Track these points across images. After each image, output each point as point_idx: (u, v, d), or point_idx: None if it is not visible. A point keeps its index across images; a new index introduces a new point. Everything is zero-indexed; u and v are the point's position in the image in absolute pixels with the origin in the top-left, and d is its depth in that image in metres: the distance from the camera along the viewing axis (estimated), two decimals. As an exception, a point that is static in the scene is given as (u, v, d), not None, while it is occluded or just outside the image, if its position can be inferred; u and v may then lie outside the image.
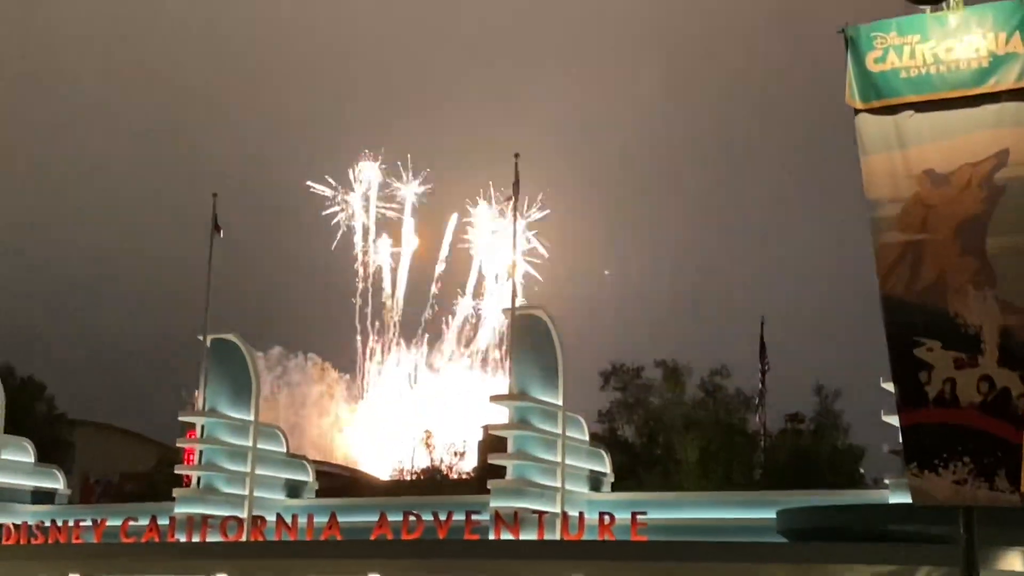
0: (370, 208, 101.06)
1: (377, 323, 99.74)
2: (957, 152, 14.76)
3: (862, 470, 53.71)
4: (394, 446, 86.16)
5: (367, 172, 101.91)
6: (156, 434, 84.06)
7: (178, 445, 44.56)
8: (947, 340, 14.55)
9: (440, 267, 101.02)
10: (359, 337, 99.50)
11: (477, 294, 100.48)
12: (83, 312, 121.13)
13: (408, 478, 68.53)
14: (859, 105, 15.19)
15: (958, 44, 14.90)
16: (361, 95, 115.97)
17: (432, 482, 63.13)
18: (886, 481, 34.46)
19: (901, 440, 14.92)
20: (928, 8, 15.20)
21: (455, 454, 67.06)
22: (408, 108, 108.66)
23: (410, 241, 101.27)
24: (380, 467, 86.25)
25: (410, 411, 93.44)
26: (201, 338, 43.36)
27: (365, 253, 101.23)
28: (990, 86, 14.75)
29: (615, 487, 40.84)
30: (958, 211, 14.59)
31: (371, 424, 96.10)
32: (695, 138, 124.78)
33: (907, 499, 33.13)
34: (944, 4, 15.14)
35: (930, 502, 14.84)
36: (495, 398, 40.64)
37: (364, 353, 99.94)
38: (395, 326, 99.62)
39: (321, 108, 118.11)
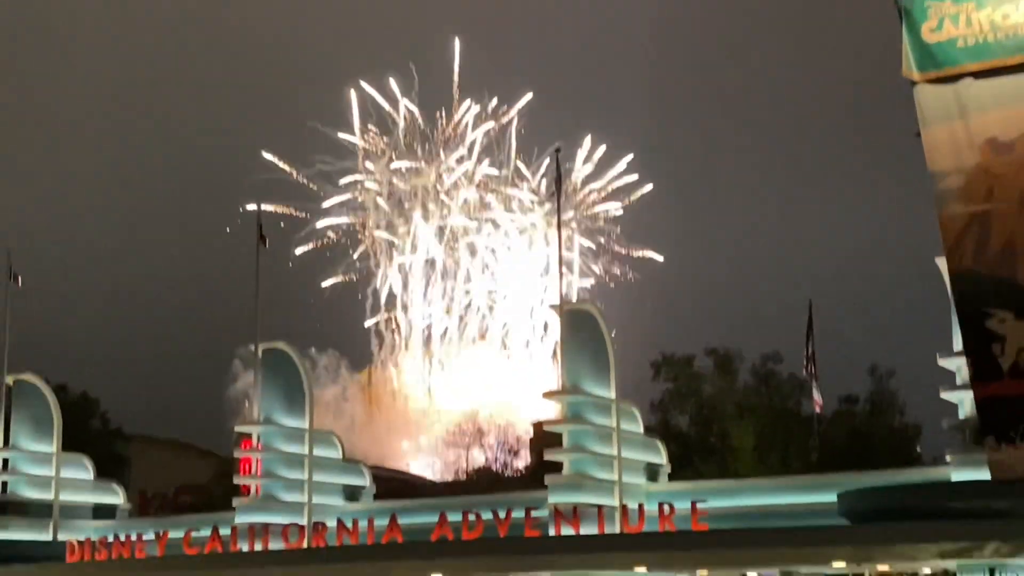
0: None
1: (394, 318, 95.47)
2: (1020, 119, 14.47)
3: (919, 449, 53.30)
4: (433, 446, 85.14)
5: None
6: (209, 445, 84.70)
7: (235, 456, 44.63)
8: (1020, 310, 14.23)
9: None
10: (374, 334, 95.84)
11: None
12: (130, 325, 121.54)
13: (461, 478, 68.38)
14: (916, 77, 14.89)
15: (1015, 10, 14.59)
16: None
17: (486, 481, 63.04)
18: (947, 458, 33.99)
19: (977, 414, 14.50)
20: (982, -26, 14.95)
21: (510, 451, 66.98)
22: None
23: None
24: (421, 469, 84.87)
25: (439, 407, 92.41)
26: (253, 348, 43.55)
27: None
28: (1051, 51, 14.47)
29: (672, 477, 40.62)
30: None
31: (398, 425, 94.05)
32: (737, 113, 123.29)
33: (970, 475, 33.04)
34: (998, -31, 14.87)
35: (1010, 475, 14.48)
36: (548, 394, 40.61)
37: (381, 350, 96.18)
38: (410, 326, 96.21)
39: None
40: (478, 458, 71.79)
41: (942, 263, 35.23)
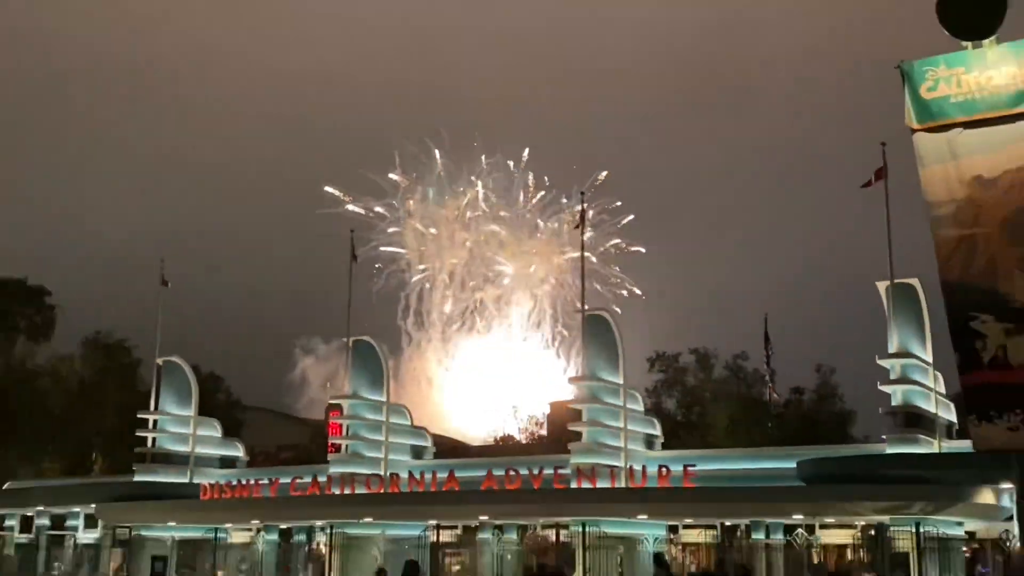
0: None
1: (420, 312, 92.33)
2: (1001, 161, 13.53)
3: (852, 431, 52.27)
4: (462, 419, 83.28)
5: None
6: (302, 413, 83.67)
7: (332, 421, 43.72)
8: (999, 314, 13.27)
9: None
10: (404, 332, 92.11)
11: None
12: (238, 318, 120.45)
13: (494, 443, 67.14)
14: (916, 126, 13.97)
15: (996, 73, 13.68)
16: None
17: (515, 445, 62.10)
18: (884, 437, 32.95)
19: (964, 398, 13.53)
20: (970, 44, 14.04)
21: (536, 423, 66.04)
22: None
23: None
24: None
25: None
26: (345, 340, 42.66)
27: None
28: (1026, 106, 13.61)
29: (664, 447, 39.59)
30: (1004, 209, 13.36)
31: (420, 402, 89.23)
32: (707, 161, 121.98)
33: (901, 450, 31.99)
34: (983, 41, 13.97)
35: (989, 447, 13.47)
36: (573, 379, 39.72)
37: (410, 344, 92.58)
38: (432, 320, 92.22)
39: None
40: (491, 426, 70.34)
41: (881, 285, 34.49)
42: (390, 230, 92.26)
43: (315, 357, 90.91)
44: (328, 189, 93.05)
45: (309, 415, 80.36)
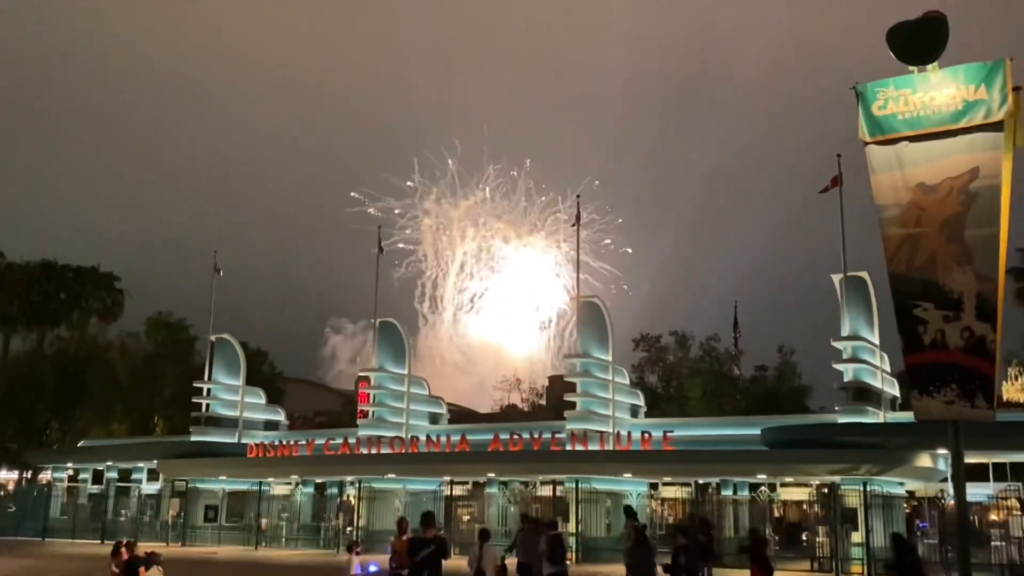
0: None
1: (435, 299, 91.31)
2: (941, 170, 13.44)
3: (809, 403, 52.13)
4: (471, 390, 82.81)
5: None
6: (334, 384, 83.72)
7: (361, 391, 43.81)
8: (938, 302, 13.16)
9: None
10: (421, 315, 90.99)
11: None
12: (283, 301, 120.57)
13: (499, 410, 66.98)
14: (868, 139, 13.85)
15: (939, 94, 13.62)
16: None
17: (517, 413, 62.08)
18: (836, 408, 32.97)
19: (907, 375, 13.48)
20: (916, 69, 14.01)
21: (537, 395, 66.01)
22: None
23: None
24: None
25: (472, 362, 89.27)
26: (373, 321, 42.73)
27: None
28: (964, 123, 13.37)
29: (647, 415, 39.67)
30: (943, 212, 13.25)
31: (433, 375, 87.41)
32: (677, 173, 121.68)
33: (851, 419, 32.00)
34: (927, 66, 13.97)
35: (928, 417, 13.40)
36: (567, 356, 39.68)
37: (426, 325, 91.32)
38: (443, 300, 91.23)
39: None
40: (497, 396, 70.10)
41: (835, 277, 34.44)
42: (407, 231, 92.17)
43: (343, 336, 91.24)
44: (353, 194, 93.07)
45: (339, 386, 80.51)
